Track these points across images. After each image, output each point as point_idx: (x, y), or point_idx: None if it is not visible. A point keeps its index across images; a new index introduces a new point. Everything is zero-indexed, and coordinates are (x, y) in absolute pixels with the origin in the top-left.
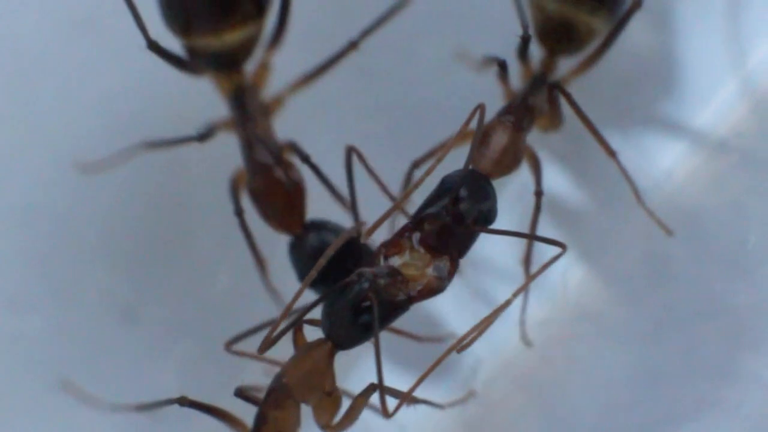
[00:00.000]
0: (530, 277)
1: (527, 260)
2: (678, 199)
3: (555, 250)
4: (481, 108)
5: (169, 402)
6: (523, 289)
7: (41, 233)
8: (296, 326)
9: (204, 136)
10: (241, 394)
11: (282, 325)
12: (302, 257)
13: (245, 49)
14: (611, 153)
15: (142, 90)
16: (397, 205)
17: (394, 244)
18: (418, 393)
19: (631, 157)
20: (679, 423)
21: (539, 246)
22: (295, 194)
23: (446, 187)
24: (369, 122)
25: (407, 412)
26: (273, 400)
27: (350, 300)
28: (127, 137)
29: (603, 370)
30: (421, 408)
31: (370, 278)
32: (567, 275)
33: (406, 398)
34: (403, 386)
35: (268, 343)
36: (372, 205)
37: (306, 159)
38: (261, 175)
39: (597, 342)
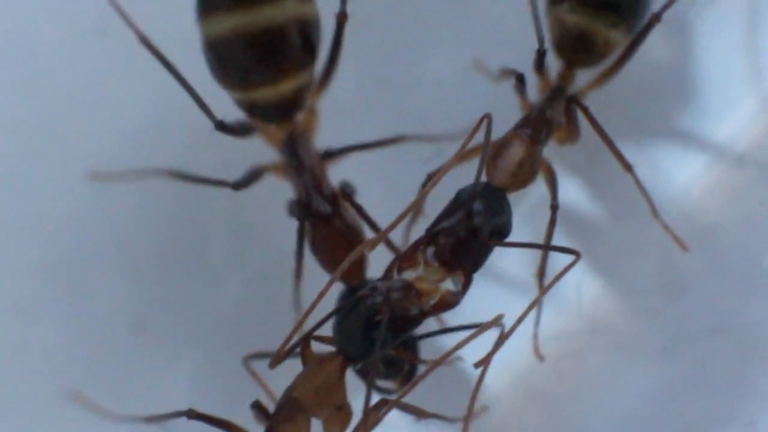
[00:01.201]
0: (546, 286)
1: (541, 273)
2: (694, 213)
3: (569, 261)
4: (487, 118)
5: (177, 414)
6: (539, 299)
7: (51, 242)
8: (305, 343)
9: (241, 184)
10: (258, 407)
11: (294, 339)
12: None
13: (299, 96)
14: (628, 167)
15: (156, 97)
16: (397, 222)
17: (408, 258)
18: (430, 408)
19: (648, 171)
20: None
21: (554, 260)
22: (356, 242)
23: (461, 201)
24: (386, 133)
25: (419, 428)
26: (283, 414)
27: (363, 314)
28: (140, 145)
29: (616, 385)
30: (434, 423)
31: (384, 292)
32: (581, 289)
33: (393, 405)
34: (414, 401)
35: (279, 358)
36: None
37: (351, 200)
38: (321, 226)
39: (611, 356)
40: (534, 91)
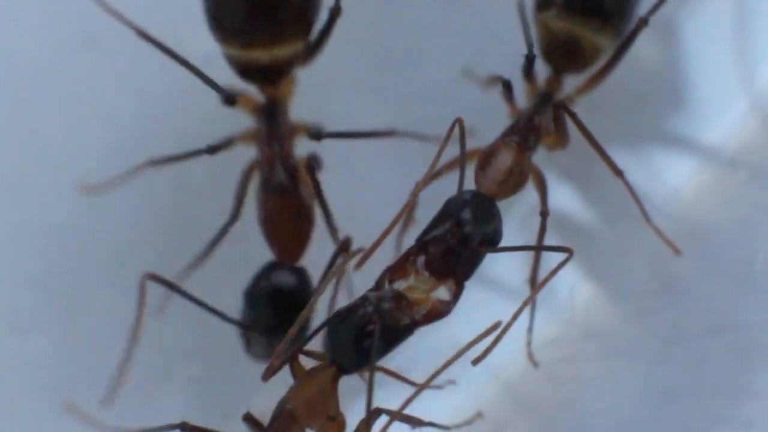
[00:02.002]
0: (540, 283)
1: (534, 279)
2: (687, 216)
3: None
4: (459, 122)
5: (171, 427)
6: (532, 297)
7: (46, 253)
8: (292, 356)
9: (215, 149)
10: (250, 420)
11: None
12: (265, 281)
13: (289, 63)
14: (618, 172)
15: (147, 108)
16: (384, 235)
17: (398, 268)
18: (425, 415)
19: (640, 174)
20: None
21: (545, 265)
22: (305, 225)
23: (450, 210)
24: (376, 139)
25: None
26: (278, 426)
27: (355, 324)
28: (131, 155)
29: (612, 389)
30: (427, 430)
31: (375, 302)
32: (574, 294)
33: (394, 418)
34: (408, 409)
35: (272, 371)
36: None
37: (312, 176)
38: (275, 196)
39: (605, 361)
40: (522, 97)
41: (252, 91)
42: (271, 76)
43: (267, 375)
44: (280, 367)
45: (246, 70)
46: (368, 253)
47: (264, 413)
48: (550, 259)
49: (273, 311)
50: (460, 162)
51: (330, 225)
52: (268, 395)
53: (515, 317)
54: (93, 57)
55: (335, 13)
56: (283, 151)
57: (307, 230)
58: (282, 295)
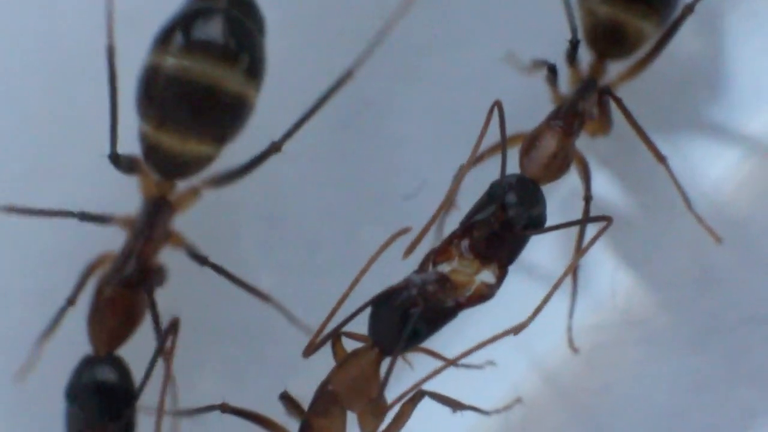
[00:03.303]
0: (582, 249)
1: (573, 263)
2: (727, 206)
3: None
4: (497, 105)
5: (211, 408)
6: (574, 264)
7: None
8: (335, 338)
9: (88, 217)
10: (287, 399)
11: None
12: (85, 375)
13: (196, 164)
14: (661, 158)
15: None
16: (432, 222)
17: (442, 251)
18: (465, 400)
19: (680, 164)
20: (726, 430)
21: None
22: (132, 324)
23: (494, 194)
24: (416, 125)
25: (452, 419)
26: (319, 408)
27: (398, 306)
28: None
29: (649, 377)
30: (467, 414)
31: (419, 284)
32: (615, 281)
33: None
34: (450, 393)
35: (313, 348)
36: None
37: (151, 288)
38: (117, 287)
39: (643, 348)
40: (565, 83)
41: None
42: (173, 170)
43: (308, 352)
44: (321, 345)
45: (153, 153)
46: (417, 241)
47: (299, 396)
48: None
49: (98, 405)
50: (502, 146)
51: (158, 332)
52: (305, 377)
53: (556, 286)
54: (133, 38)
55: (272, 149)
56: (146, 250)
57: (130, 330)
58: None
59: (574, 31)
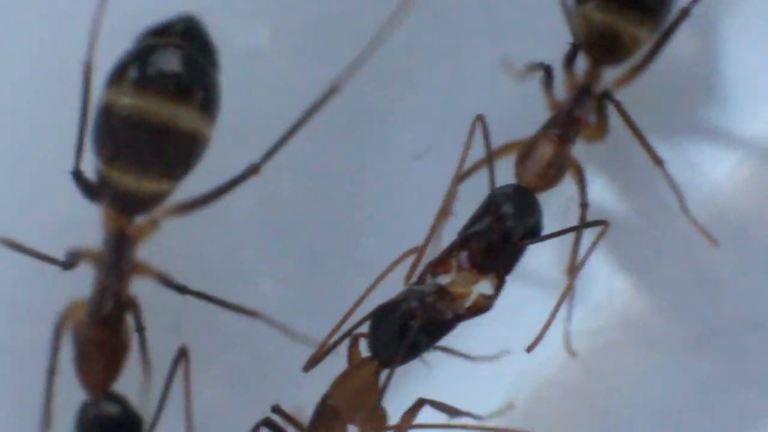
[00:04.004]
0: (582, 259)
1: (572, 268)
2: (724, 209)
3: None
4: (479, 119)
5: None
6: (575, 275)
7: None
8: (352, 343)
9: (69, 264)
10: (279, 411)
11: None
12: (89, 421)
13: (152, 201)
14: (658, 161)
15: None
16: (428, 242)
17: (441, 263)
18: (461, 405)
19: (678, 167)
20: None
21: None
22: (120, 360)
23: (491, 204)
24: (412, 130)
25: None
26: (320, 421)
27: (398, 318)
28: None
29: (649, 380)
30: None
31: (419, 296)
32: (612, 285)
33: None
34: (446, 399)
35: (314, 362)
36: None
37: (137, 315)
38: (97, 328)
39: (642, 352)
40: (560, 90)
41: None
42: (129, 207)
43: (308, 366)
44: (321, 359)
45: (108, 190)
46: (419, 257)
47: (301, 404)
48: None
49: None
50: (488, 158)
51: (145, 360)
52: (308, 385)
53: (560, 303)
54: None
55: (251, 170)
56: (118, 286)
57: (119, 366)
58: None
59: (575, 33)
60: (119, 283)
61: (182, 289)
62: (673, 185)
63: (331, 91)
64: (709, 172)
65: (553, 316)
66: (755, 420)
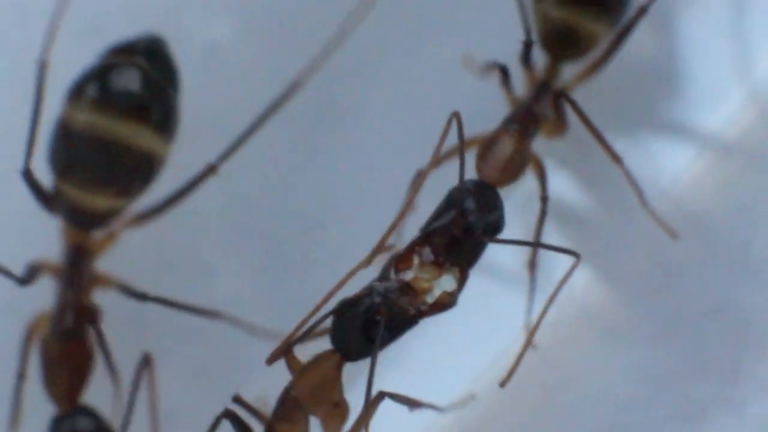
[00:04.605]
0: (553, 294)
1: (533, 262)
2: (684, 202)
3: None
4: (455, 116)
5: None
6: (547, 308)
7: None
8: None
9: (27, 279)
10: (240, 402)
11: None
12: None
13: (107, 217)
14: (617, 159)
15: None
16: (391, 230)
17: (404, 258)
18: (420, 397)
19: (638, 161)
20: (685, 423)
21: (545, 250)
22: (86, 371)
23: (453, 200)
24: (374, 127)
25: (409, 418)
26: (282, 413)
27: (362, 314)
28: None
29: (608, 372)
30: (425, 413)
31: (382, 292)
32: (573, 278)
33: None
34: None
35: (277, 356)
36: None
37: (96, 326)
38: (61, 341)
39: (602, 343)
40: (521, 86)
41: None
42: (84, 222)
43: (272, 360)
44: (284, 353)
45: (63, 205)
46: (377, 249)
47: (263, 395)
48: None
49: None
50: (460, 154)
51: (112, 370)
52: (270, 376)
53: (533, 331)
54: (98, 45)
55: (208, 171)
56: (78, 299)
57: (86, 378)
58: None
59: (527, 32)
60: (80, 297)
61: (143, 297)
62: (632, 180)
63: (293, 87)
64: (668, 166)
65: (527, 346)
66: (713, 410)
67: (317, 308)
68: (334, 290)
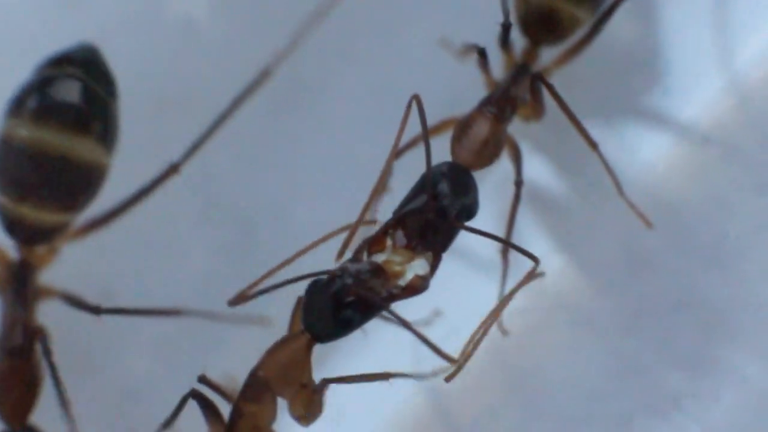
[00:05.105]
0: (507, 296)
1: (506, 251)
2: (659, 191)
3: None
4: (416, 99)
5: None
6: (502, 308)
7: None
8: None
9: None
10: (205, 382)
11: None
12: None
13: (52, 232)
14: (593, 145)
15: (125, 66)
16: (357, 225)
17: (377, 241)
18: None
19: (614, 148)
20: (656, 414)
21: (520, 234)
22: (34, 389)
23: (427, 182)
24: (351, 107)
25: (384, 396)
26: (249, 394)
27: (332, 295)
28: None
29: (579, 360)
30: (398, 394)
31: (354, 274)
32: (545, 265)
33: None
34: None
35: (241, 299)
36: None
37: (45, 345)
38: (9, 359)
39: (573, 332)
40: (499, 68)
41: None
42: (28, 238)
43: (235, 302)
44: (250, 299)
45: (5, 219)
46: (350, 236)
47: (231, 374)
48: (523, 230)
49: None
50: (424, 138)
51: (62, 399)
52: (238, 353)
53: (485, 332)
54: (74, 15)
55: (170, 171)
56: (26, 315)
57: (36, 396)
58: None
59: (506, 14)
60: (26, 312)
61: (96, 310)
62: (608, 168)
63: (263, 75)
64: (644, 153)
65: (477, 345)
66: (686, 401)
67: (290, 260)
68: (310, 247)
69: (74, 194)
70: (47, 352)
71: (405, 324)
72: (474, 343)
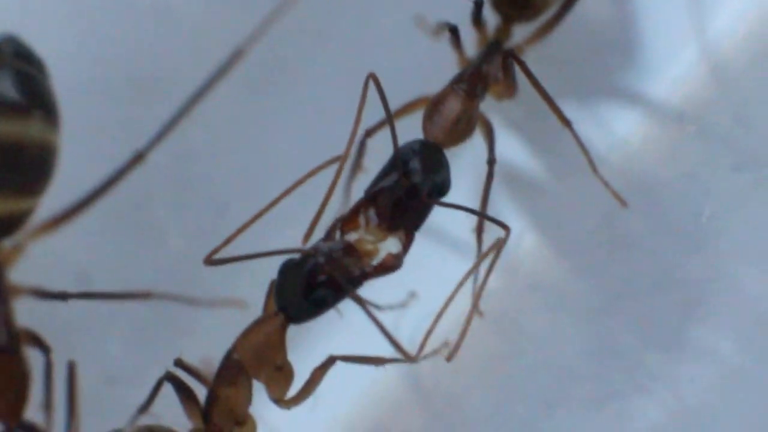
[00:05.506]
0: (478, 260)
1: (480, 229)
2: (633, 169)
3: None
4: (372, 77)
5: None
6: (471, 272)
7: None
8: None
9: None
10: (181, 365)
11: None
12: None
13: (9, 223)
14: (566, 122)
15: (93, 49)
16: (322, 209)
17: (349, 220)
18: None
19: (587, 125)
20: (633, 395)
21: (491, 214)
22: (25, 387)
23: (398, 160)
24: (325, 86)
25: (359, 377)
26: (225, 377)
27: (305, 274)
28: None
29: (556, 342)
30: (374, 375)
31: (326, 253)
32: (520, 245)
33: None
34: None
35: (214, 258)
36: None
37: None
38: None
39: (550, 313)
40: (472, 46)
41: None
42: None
43: (209, 260)
44: (225, 262)
45: None
46: (315, 221)
47: (207, 358)
48: (496, 208)
49: None
50: (387, 116)
51: (48, 408)
52: (214, 337)
53: (447, 304)
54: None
55: (136, 159)
56: (6, 312)
57: (26, 391)
58: None
59: None
60: (5, 308)
61: (63, 296)
62: (581, 146)
63: (235, 56)
64: (618, 130)
65: (443, 310)
66: (662, 382)
67: (262, 212)
68: (282, 196)
69: (31, 178)
70: (49, 366)
71: (371, 316)
72: (463, 330)
